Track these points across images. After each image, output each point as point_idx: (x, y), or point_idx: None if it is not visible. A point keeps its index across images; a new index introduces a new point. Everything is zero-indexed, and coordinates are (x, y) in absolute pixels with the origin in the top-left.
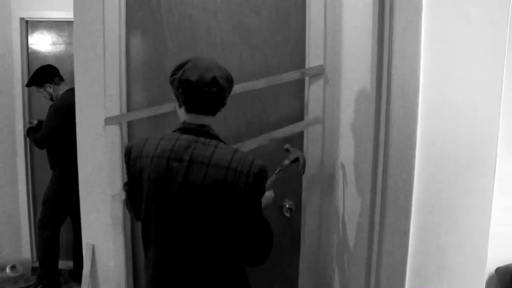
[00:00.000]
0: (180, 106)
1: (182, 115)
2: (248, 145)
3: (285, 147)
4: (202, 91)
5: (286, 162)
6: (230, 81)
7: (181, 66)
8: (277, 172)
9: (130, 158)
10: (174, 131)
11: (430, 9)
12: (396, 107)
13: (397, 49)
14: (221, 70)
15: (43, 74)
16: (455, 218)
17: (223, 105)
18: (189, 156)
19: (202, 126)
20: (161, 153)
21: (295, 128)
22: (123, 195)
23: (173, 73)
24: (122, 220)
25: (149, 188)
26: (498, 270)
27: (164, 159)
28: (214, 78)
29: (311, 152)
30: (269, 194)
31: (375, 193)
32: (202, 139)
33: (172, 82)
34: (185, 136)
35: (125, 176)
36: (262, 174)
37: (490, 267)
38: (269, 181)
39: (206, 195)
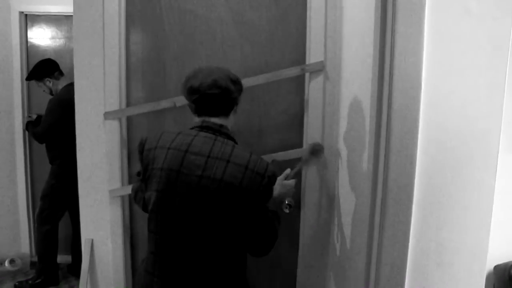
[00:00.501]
0: (194, 114)
1: (194, 119)
2: None
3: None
4: (205, 94)
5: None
6: (234, 81)
7: (188, 76)
8: (299, 166)
9: (144, 148)
10: (192, 128)
11: (432, 4)
12: (398, 103)
13: (399, 45)
14: (223, 72)
15: (43, 68)
16: (456, 215)
17: (233, 105)
18: (208, 151)
19: (221, 126)
20: (178, 146)
21: (297, 153)
22: (122, 190)
23: (183, 85)
24: (121, 214)
25: (161, 177)
26: (496, 267)
27: (181, 151)
28: (214, 81)
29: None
30: (291, 182)
31: (376, 189)
32: (220, 138)
33: (183, 93)
34: (203, 133)
35: (125, 170)
36: (274, 178)
37: (489, 264)
38: (293, 172)
39: (222, 190)
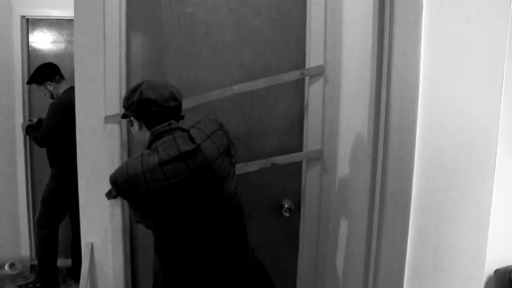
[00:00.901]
0: (140, 128)
1: (145, 134)
2: (251, 167)
3: None
4: (163, 106)
5: None
6: (181, 96)
7: (135, 90)
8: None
9: (118, 184)
10: (149, 147)
11: (430, 9)
12: (396, 107)
13: (397, 50)
14: (174, 87)
15: (44, 72)
16: (454, 218)
17: (183, 117)
18: (178, 152)
19: (169, 124)
20: (152, 166)
21: (296, 157)
22: None
23: (129, 97)
24: (121, 218)
25: (159, 198)
26: (497, 271)
27: (158, 168)
28: (172, 93)
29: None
30: None
31: (374, 193)
32: (176, 133)
33: (129, 106)
34: (160, 142)
35: None
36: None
37: (489, 268)
38: None
39: (216, 167)
